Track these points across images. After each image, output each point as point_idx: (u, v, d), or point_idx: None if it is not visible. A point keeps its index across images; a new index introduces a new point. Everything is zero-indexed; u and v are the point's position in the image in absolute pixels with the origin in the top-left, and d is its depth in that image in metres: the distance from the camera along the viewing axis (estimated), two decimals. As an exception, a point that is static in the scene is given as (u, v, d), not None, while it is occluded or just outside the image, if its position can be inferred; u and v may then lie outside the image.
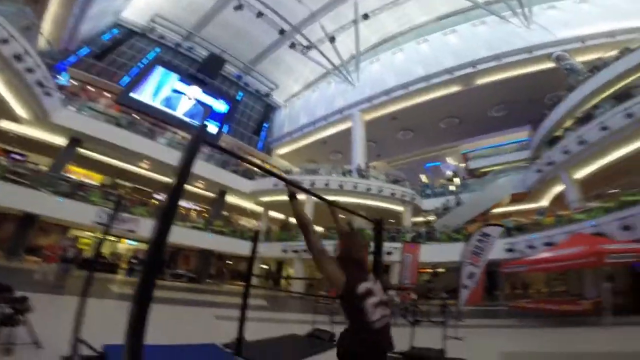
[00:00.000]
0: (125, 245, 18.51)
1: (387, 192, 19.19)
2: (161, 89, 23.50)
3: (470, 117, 24.31)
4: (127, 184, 21.33)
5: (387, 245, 15.61)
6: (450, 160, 30.32)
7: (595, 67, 16.01)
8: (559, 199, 17.29)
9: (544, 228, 13.91)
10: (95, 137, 15.93)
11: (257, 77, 29.90)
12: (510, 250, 13.80)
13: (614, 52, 15.91)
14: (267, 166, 26.02)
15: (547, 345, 5.34)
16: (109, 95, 22.48)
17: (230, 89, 29.44)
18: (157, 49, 26.58)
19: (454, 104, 23.03)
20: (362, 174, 20.11)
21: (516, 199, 19.31)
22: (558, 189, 17.00)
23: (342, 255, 1.75)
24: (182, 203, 23.00)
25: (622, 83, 14.28)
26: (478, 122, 24.60)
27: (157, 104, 22.79)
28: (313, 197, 2.37)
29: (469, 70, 21.20)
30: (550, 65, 19.70)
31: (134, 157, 18.06)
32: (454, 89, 22.22)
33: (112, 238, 19.44)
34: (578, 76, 17.01)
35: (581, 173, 14.96)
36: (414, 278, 10.26)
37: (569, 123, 16.19)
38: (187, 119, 23.54)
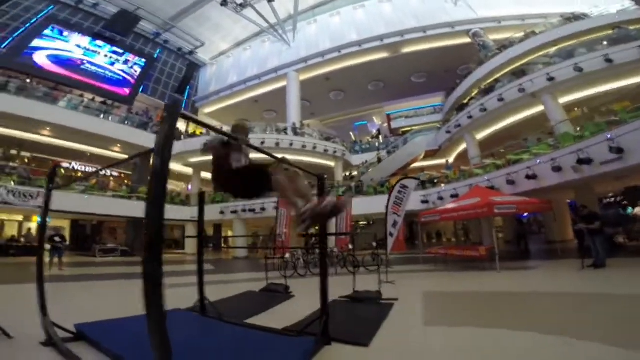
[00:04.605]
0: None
1: (321, 149, 20.01)
2: (57, 50, 19.69)
3: (394, 82, 25.89)
4: (26, 154, 18.01)
5: (323, 201, 16.75)
6: (376, 120, 32.50)
7: (503, 46, 18.13)
8: (462, 156, 20.08)
9: (450, 181, 15.81)
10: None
11: (178, 34, 26.53)
12: (425, 201, 15.41)
13: (521, 34, 18.03)
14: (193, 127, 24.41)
15: (455, 286, 6.59)
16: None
17: (145, 46, 25.86)
18: (51, 7, 21.58)
19: (381, 69, 24.16)
20: (297, 132, 20.47)
21: (429, 155, 22.01)
22: (462, 147, 19.55)
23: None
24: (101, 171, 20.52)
25: (522, 62, 16.51)
26: (401, 86, 26.41)
27: (52, 65, 19.10)
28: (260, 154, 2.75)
29: (398, 39, 22.26)
30: (467, 40, 21.58)
31: (31, 124, 15.28)
32: (383, 55, 23.21)
33: (20, 217, 16.96)
34: (488, 53, 19.06)
35: (481, 135, 17.61)
36: (350, 230, 11.41)
37: (474, 93, 18.47)
38: (91, 81, 20.37)
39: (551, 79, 12.82)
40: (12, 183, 13.03)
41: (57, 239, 9.52)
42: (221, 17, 25.92)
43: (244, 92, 26.17)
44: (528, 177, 10.92)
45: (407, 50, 22.90)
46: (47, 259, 9.44)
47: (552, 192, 11.73)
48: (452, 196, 14.02)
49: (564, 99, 13.50)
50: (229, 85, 26.61)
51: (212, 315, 4.16)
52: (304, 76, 24.34)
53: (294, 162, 2.80)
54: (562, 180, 10.07)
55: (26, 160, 17.91)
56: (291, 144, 18.91)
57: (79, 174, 19.33)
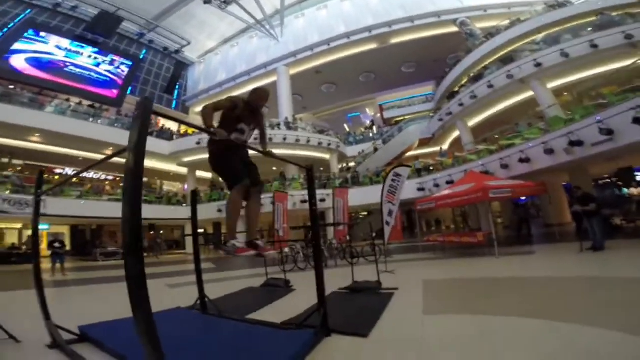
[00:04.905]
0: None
1: (315, 142, 20.01)
2: (36, 52, 19.13)
3: (385, 73, 25.96)
4: (18, 162, 17.86)
5: (320, 193, 16.73)
6: (369, 111, 32.57)
7: (490, 34, 18.22)
8: (456, 143, 20.24)
9: (445, 168, 15.82)
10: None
11: (163, 33, 26.13)
12: (421, 189, 15.56)
13: (507, 22, 18.24)
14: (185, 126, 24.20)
15: (454, 273, 6.56)
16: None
17: (130, 47, 25.39)
18: (28, 11, 21.03)
19: (371, 60, 24.14)
20: (290, 126, 20.45)
21: (423, 143, 22.24)
22: (455, 134, 19.77)
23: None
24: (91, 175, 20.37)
25: (509, 49, 16.63)
26: (392, 77, 26.53)
27: (32, 69, 18.65)
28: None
29: (386, 29, 22.23)
30: (454, 29, 21.65)
31: (19, 131, 15.15)
32: (372, 46, 23.20)
33: (19, 225, 16.87)
34: (475, 41, 19.16)
35: (473, 121, 17.73)
36: (347, 221, 11.41)
37: (464, 80, 18.66)
38: (77, 84, 19.99)
39: (538, 65, 13.00)
40: (7, 192, 12.95)
41: (56, 244, 9.51)
42: (206, 15, 25.52)
43: (233, 89, 25.86)
44: (521, 160, 10.95)
45: (395, 40, 22.90)
46: (49, 265, 9.47)
47: (546, 175, 11.78)
48: (448, 182, 14.00)
49: (552, 84, 13.64)
50: (218, 82, 26.36)
51: (212, 313, 4.19)
52: (294, 70, 24.22)
53: (288, 156, 2.86)
54: (554, 163, 10.11)
55: (19, 168, 17.74)
56: (285, 139, 18.86)
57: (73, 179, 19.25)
